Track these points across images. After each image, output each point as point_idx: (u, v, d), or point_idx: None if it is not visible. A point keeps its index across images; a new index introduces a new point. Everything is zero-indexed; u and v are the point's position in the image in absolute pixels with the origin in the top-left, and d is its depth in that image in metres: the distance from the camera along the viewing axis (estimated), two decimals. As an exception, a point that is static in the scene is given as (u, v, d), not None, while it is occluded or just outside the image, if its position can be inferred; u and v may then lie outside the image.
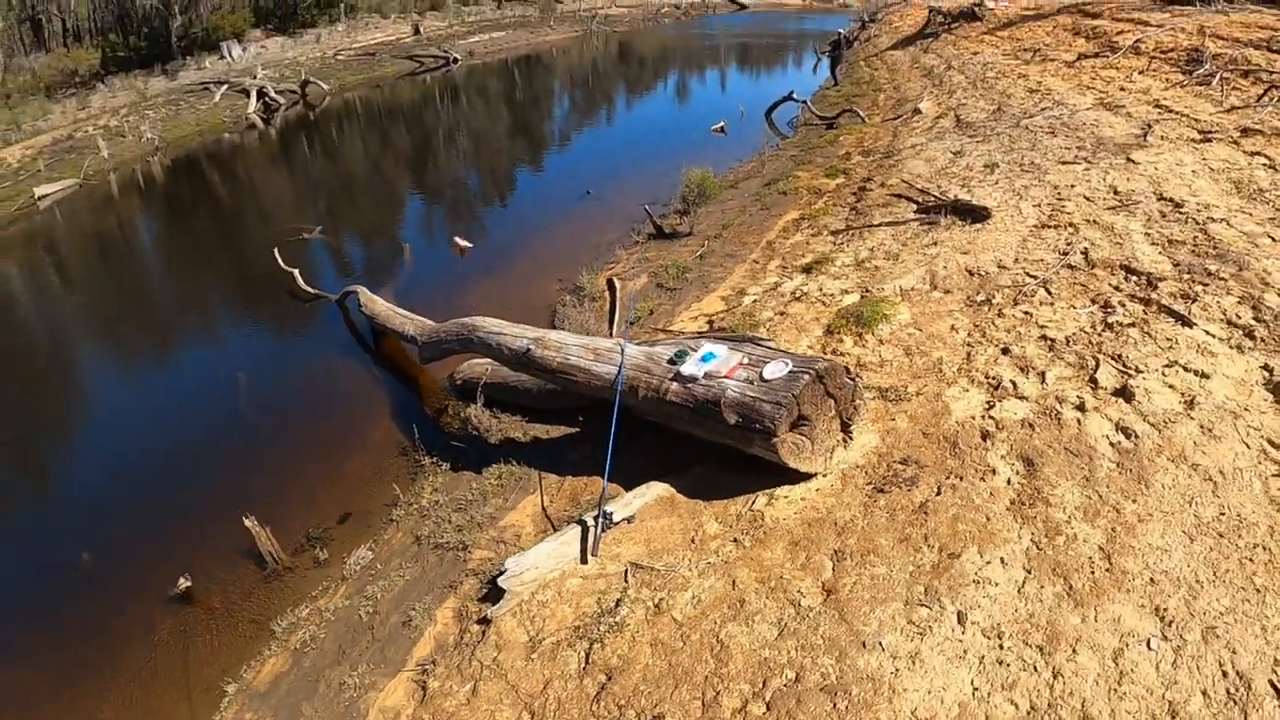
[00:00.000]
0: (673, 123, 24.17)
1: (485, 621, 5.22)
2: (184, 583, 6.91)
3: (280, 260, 12.79)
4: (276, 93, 35.74)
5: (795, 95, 20.89)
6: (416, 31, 48.26)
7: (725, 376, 5.52)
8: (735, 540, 5.15)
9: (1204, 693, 3.44)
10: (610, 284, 8.53)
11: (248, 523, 6.86)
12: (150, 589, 7.10)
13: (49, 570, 7.71)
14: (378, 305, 10.06)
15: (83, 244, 22.82)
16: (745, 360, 5.63)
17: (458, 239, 13.76)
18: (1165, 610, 3.83)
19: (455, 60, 39.79)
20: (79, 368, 12.88)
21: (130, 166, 29.91)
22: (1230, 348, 5.77)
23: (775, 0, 58.73)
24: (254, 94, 35.41)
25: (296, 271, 12.54)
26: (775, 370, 5.36)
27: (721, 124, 20.68)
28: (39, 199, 27.16)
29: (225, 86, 37.16)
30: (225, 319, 13.80)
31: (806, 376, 5.21)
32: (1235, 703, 3.38)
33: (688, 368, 5.74)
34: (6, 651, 6.70)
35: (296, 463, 8.62)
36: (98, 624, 6.94)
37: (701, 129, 20.75)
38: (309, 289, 12.24)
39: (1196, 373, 5.54)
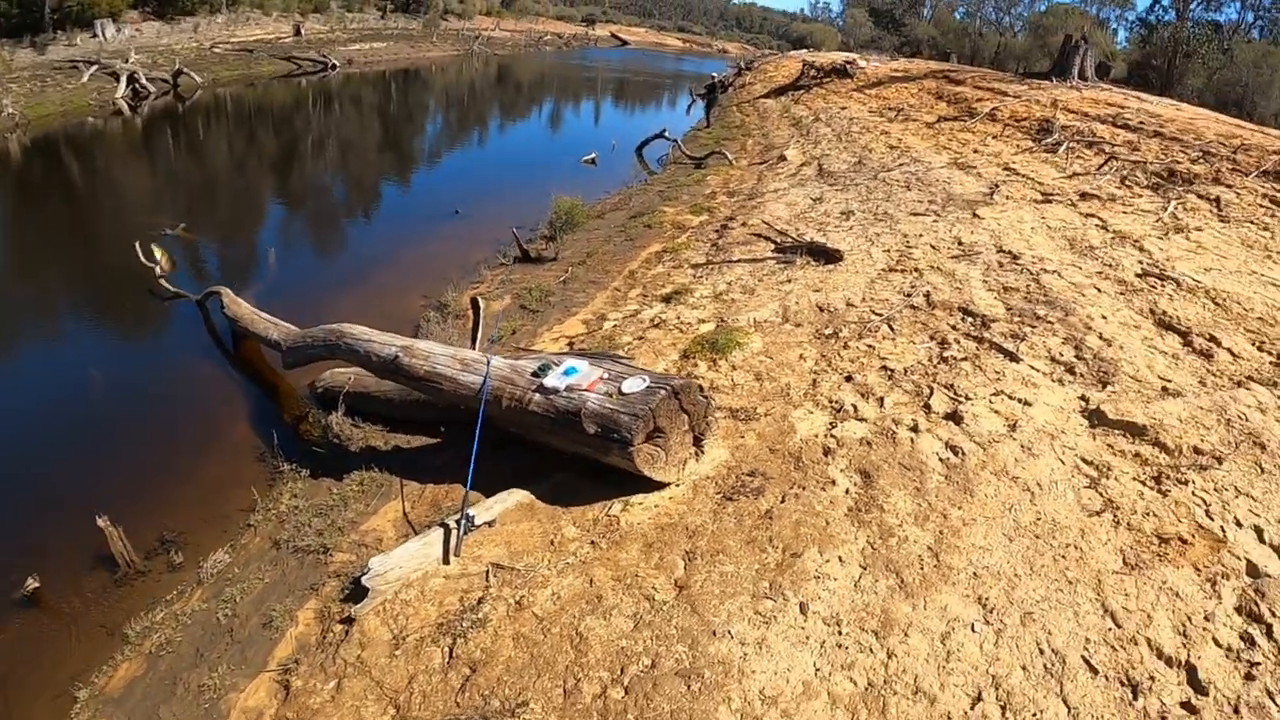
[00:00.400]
0: (545, 150, 24.56)
1: (349, 621, 5.34)
2: (32, 584, 6.65)
3: (141, 255, 12.40)
4: (148, 80, 34.30)
5: (667, 134, 21.54)
6: (298, 33, 47.19)
7: (586, 390, 5.86)
8: (592, 543, 5.47)
9: (1024, 668, 3.98)
10: (474, 302, 8.72)
11: (100, 523, 6.67)
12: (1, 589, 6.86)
13: None
14: (241, 308, 9.93)
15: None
16: (605, 375, 5.99)
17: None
18: (987, 599, 4.39)
19: (334, 66, 39.21)
20: None
21: (-17, 142, 28.11)
22: (1052, 381, 6.56)
23: (656, 40, 60.28)
24: (124, 79, 33.87)
25: (157, 267, 12.18)
26: (633, 385, 5.74)
27: (593, 155, 21.12)
28: (-124, 166, 25.26)
29: (95, 67, 35.36)
30: (77, 313, 13.22)
31: (663, 392, 5.62)
32: (1052, 675, 3.92)
33: (550, 380, 6.05)
34: None
35: (150, 465, 8.42)
36: None
37: (573, 158, 21.16)
38: (169, 287, 11.90)
39: (1020, 401, 6.29)
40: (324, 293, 11.75)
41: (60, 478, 8.49)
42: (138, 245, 12.58)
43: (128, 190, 21.37)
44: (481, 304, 8.68)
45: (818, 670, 4.14)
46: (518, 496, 6.10)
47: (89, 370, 10.53)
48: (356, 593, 5.52)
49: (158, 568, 6.92)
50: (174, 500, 7.70)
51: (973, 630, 4.22)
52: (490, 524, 5.80)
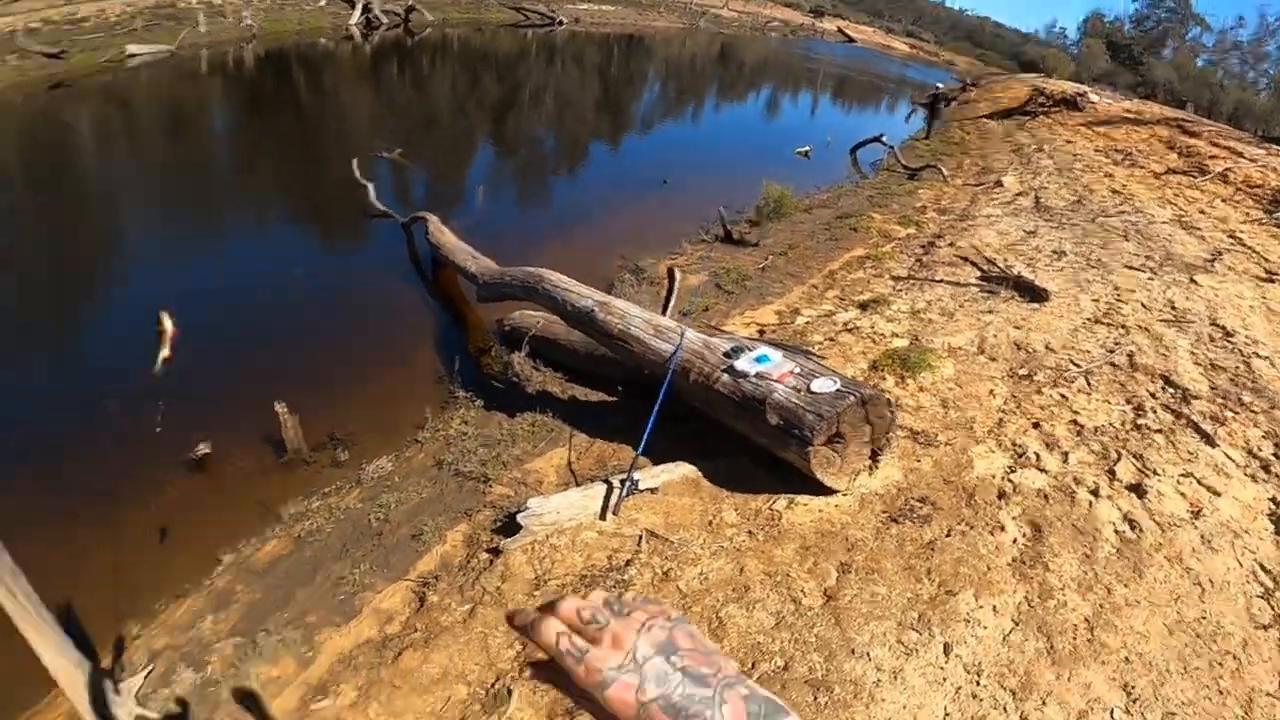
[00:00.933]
0: (759, 134, 24.30)
1: (496, 552, 5.41)
2: (202, 449, 7.05)
3: (357, 172, 13.00)
4: (381, 11, 36.04)
5: (884, 139, 20.94)
6: (529, -16, 48.54)
7: (775, 380, 5.70)
8: (750, 532, 5.35)
9: (1153, 768, 3.67)
10: (671, 272, 8.67)
11: (277, 408, 6.96)
12: (169, 448, 7.26)
13: (78, 408, 7.98)
14: (445, 236, 10.21)
15: (159, 111, 23.15)
16: (796, 370, 5.81)
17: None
18: (1133, 688, 4.08)
19: (561, 23, 40.07)
20: (128, 229, 13.16)
21: (224, 48, 30.29)
22: (1245, 475, 6.05)
23: (883, 42, 58.78)
24: (360, 6, 35.73)
25: (371, 186, 12.74)
26: (823, 385, 5.55)
27: (807, 148, 20.75)
28: (128, 56, 27.63)
29: (332, -9, 37.54)
30: (288, 214, 14.06)
31: (851, 398, 5.41)
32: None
33: (742, 363, 5.92)
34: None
35: (334, 365, 8.79)
36: (108, 472, 7.13)
37: (787, 148, 20.85)
38: (379, 205, 12.42)
39: (1209, 488, 5.84)
40: (524, 237, 11.99)
41: (249, 359, 9.03)
42: (355, 163, 13.20)
43: (349, 111, 22.51)
44: (678, 275, 8.62)
45: (947, 715, 3.93)
46: (684, 470, 6.02)
47: (294, 268, 11.14)
48: (508, 527, 5.57)
49: (322, 461, 7.22)
50: (349, 402, 8.00)
51: (1111, 717, 3.91)
52: (653, 490, 5.74)
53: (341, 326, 9.60)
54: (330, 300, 10.31)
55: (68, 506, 6.77)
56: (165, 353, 4.22)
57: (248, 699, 4.79)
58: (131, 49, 28.29)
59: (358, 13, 35.38)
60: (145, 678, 5.00)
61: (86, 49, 28.29)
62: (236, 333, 9.50)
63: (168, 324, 4.16)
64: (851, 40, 56.62)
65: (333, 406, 7.83)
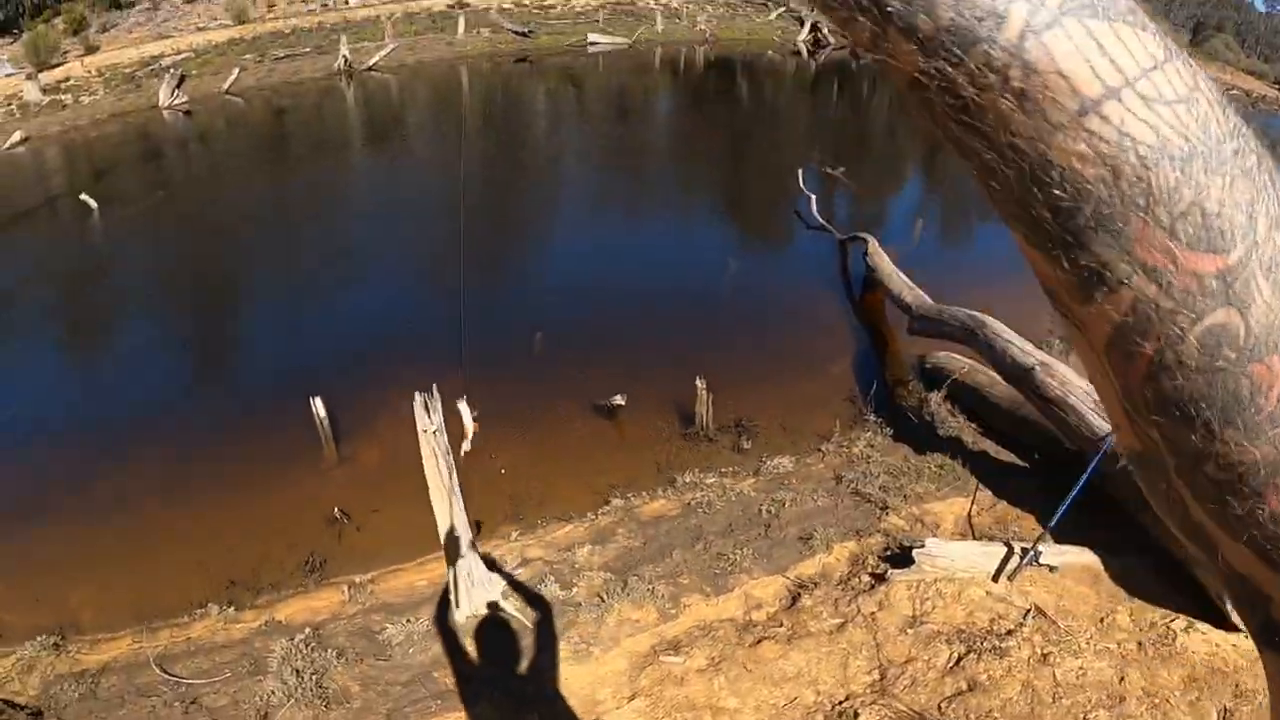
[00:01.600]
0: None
1: (880, 578, 5.53)
2: (618, 400, 7.88)
3: (802, 183, 13.52)
4: (830, 32, 36.68)
5: None
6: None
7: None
8: (1140, 644, 5.06)
9: None
10: (1102, 349, 8.23)
11: (698, 382, 7.59)
12: (591, 392, 8.25)
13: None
14: (883, 261, 10.38)
15: (610, 95, 25.44)
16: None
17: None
18: None
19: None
20: (579, 189, 14.66)
21: (676, 47, 32.60)
22: None
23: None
24: (809, 24, 36.63)
25: (814, 198, 13.22)
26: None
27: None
28: (589, 43, 30.68)
29: (782, 9, 38.85)
30: (726, 208, 15.06)
31: None
32: None
33: (1180, 463, 5.54)
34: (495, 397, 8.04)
35: (751, 356, 9.38)
36: (543, 406, 8.26)
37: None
38: (818, 218, 12.88)
39: None
40: (952, 276, 11.63)
41: (675, 331, 9.99)
42: (800, 173, 13.72)
43: (788, 122, 23.32)
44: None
45: None
46: (1087, 558, 5.76)
47: (727, 258, 11.90)
48: (898, 559, 5.68)
49: (724, 442, 7.76)
50: (760, 396, 8.48)
51: None
52: (1052, 569, 5.58)
53: (765, 324, 10.20)
54: (759, 298, 10.92)
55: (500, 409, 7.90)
56: (466, 446, 4.75)
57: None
58: (593, 37, 31.45)
59: (806, 29, 36.31)
60: (513, 575, 5.73)
61: (552, 32, 31.86)
62: (668, 306, 10.46)
63: (467, 420, 4.65)
64: None
65: (744, 395, 8.35)
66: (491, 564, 5.69)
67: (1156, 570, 5.68)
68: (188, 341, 10.10)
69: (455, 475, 5.15)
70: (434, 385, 5.08)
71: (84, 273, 12.37)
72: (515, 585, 5.63)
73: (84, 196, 13.99)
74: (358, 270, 11.79)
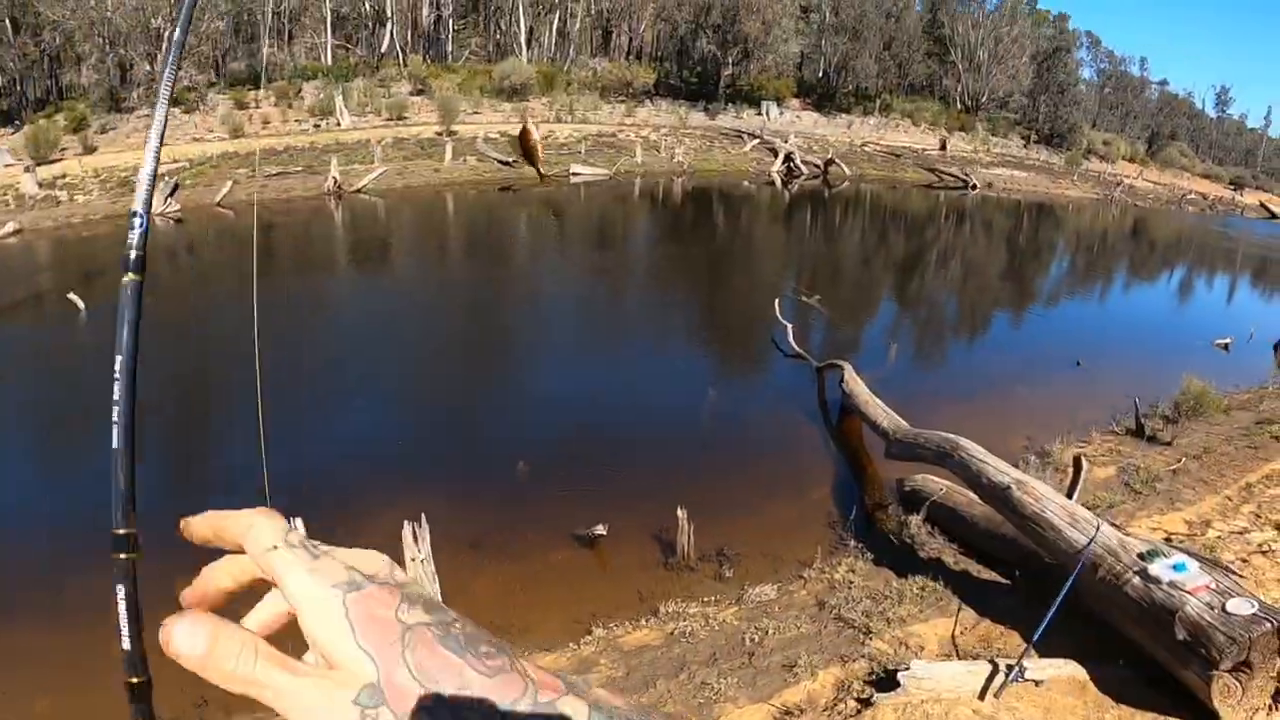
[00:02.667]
0: (1172, 319, 22.50)
1: (866, 703, 5.51)
2: (600, 529, 7.88)
3: (779, 312, 13.90)
4: (802, 161, 38.28)
5: None
6: (943, 147, 49.22)
7: (1188, 592, 5.38)
8: (1128, 750, 5.03)
9: None
10: (1077, 461, 8.36)
11: (680, 512, 7.63)
12: (573, 522, 8.24)
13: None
14: (859, 387, 10.60)
15: (590, 224, 26.25)
16: (1212, 585, 5.44)
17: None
18: None
19: (973, 186, 40.03)
20: (548, 320, 15.03)
21: (655, 179, 33.84)
22: None
23: None
24: (782, 155, 38.28)
25: (790, 327, 13.57)
26: (1240, 606, 5.15)
27: (1227, 340, 18.84)
28: (571, 173, 31.87)
29: (756, 140, 40.65)
30: (704, 338, 15.38)
31: (1269, 625, 4.99)
32: None
33: (1156, 568, 5.64)
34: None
35: (731, 484, 9.45)
36: (524, 535, 8.26)
37: (1201, 335, 19.12)
38: (795, 347, 13.18)
39: None
40: (927, 400, 11.94)
41: (654, 462, 10.04)
42: (777, 303, 14.13)
43: (764, 250, 24.11)
44: (1085, 465, 8.33)
45: None
46: (1073, 670, 5.78)
47: (707, 387, 12.15)
48: (883, 682, 5.65)
49: (705, 571, 7.75)
50: (740, 524, 8.52)
51: None
52: (1038, 683, 5.58)
53: (744, 452, 10.33)
54: (738, 426, 11.11)
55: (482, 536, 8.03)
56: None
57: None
58: (575, 168, 32.71)
59: (779, 161, 37.93)
60: None
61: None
62: (649, 435, 10.63)
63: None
64: (1274, 216, 50.35)
65: (725, 524, 8.39)
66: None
67: (1143, 678, 5.70)
68: (162, 451, 9.97)
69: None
70: (423, 514, 5.16)
71: (63, 370, 12.41)
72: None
73: (72, 295, 14.08)
74: (339, 392, 11.91)
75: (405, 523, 5.01)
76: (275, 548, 0.57)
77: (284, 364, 12.47)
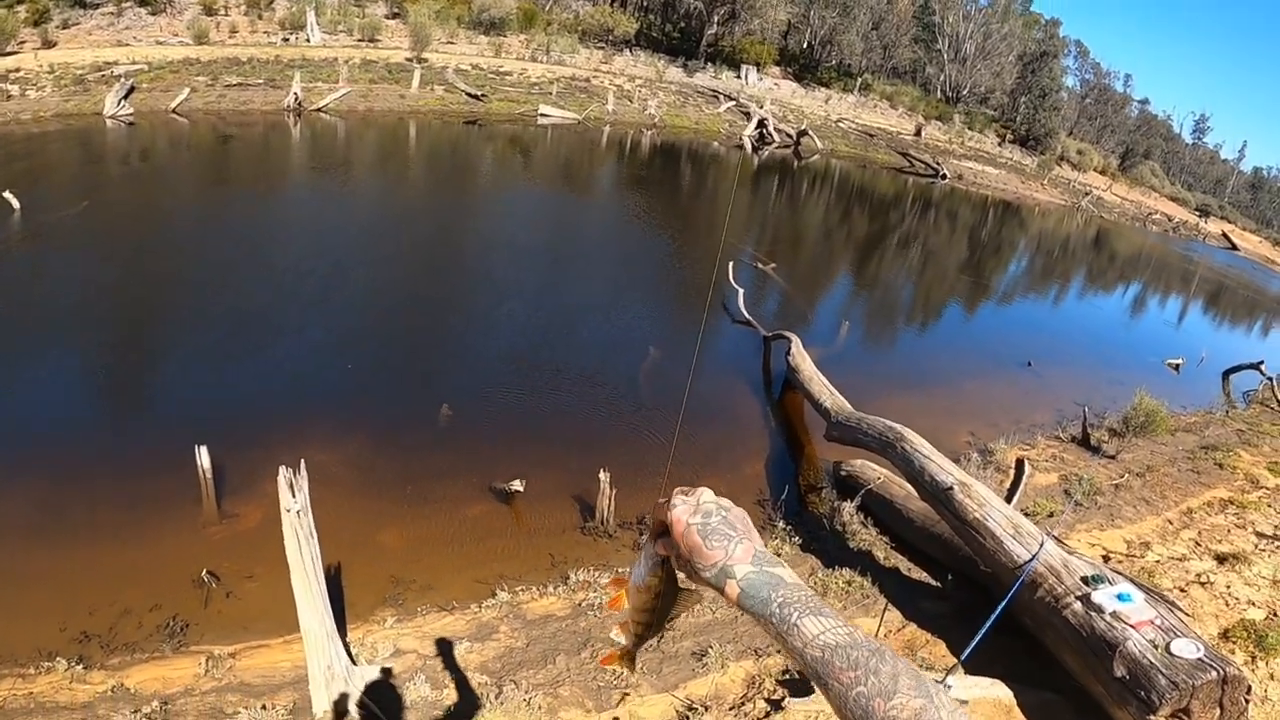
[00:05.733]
0: (1123, 331, 22.55)
1: (777, 705, 5.12)
2: (517, 485, 7.39)
3: (731, 277, 13.43)
4: (775, 129, 37.72)
5: (1264, 368, 18.58)
6: (918, 133, 48.95)
7: (1132, 625, 5.04)
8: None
9: None
10: (1020, 464, 8.05)
11: (602, 475, 7.14)
12: (490, 473, 7.77)
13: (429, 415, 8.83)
14: (805, 363, 10.18)
15: (551, 167, 25.58)
16: (1157, 621, 5.10)
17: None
18: None
19: (944, 176, 39.84)
20: (507, 258, 14.68)
21: (625, 129, 33.12)
22: None
23: (1268, 255, 53.08)
24: (755, 120, 37.69)
25: (742, 292, 13.09)
26: (1185, 648, 4.83)
27: (1179, 360, 18.87)
28: (540, 114, 31.05)
29: (732, 103, 39.97)
30: (657, 294, 14.84)
31: (1214, 673, 4.69)
32: None
33: (1100, 595, 5.28)
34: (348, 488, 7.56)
35: (659, 450, 8.94)
36: (437, 482, 7.76)
37: (1152, 352, 19.16)
38: (744, 313, 12.75)
39: None
40: (873, 384, 11.65)
41: (586, 417, 9.60)
42: (731, 266, 13.65)
43: (723, 214, 23.54)
44: (1028, 469, 8.00)
45: None
46: (1000, 692, 5.42)
47: (649, 346, 11.66)
48: (796, 686, 5.27)
49: (624, 540, 7.30)
50: (665, 493, 8.02)
51: None
52: (963, 703, 5.20)
53: (676, 412, 9.77)
54: (675, 390, 10.58)
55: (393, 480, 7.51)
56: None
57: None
58: (544, 109, 31.85)
59: (752, 125, 37.32)
60: (381, 670, 5.18)
61: (505, 99, 32.15)
62: (582, 390, 10.15)
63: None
64: (1235, 248, 51.23)
65: (648, 492, 7.92)
66: (357, 654, 5.17)
67: (1074, 706, 5.38)
68: (81, 363, 9.31)
69: (319, 562, 4.64)
70: (301, 460, 4.58)
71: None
72: (381, 682, 5.07)
73: (7, 194, 13.25)
74: (270, 315, 11.16)
75: (280, 469, 4.41)
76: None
77: (214, 284, 11.76)
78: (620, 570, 6.65)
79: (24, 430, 7.80)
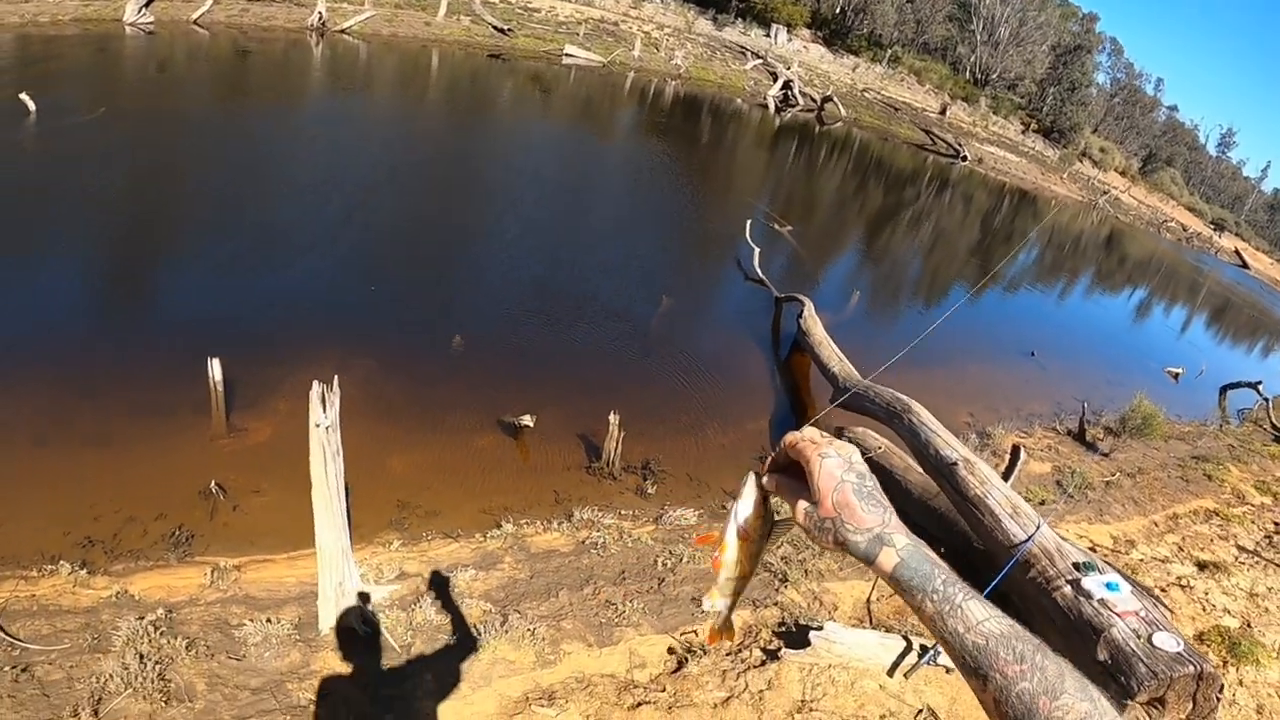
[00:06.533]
0: (1128, 333, 22.68)
1: (773, 654, 5.26)
2: (527, 420, 7.47)
3: (749, 235, 13.44)
4: (800, 92, 37.34)
5: (1261, 389, 18.72)
6: (942, 112, 48.53)
7: (1117, 614, 5.19)
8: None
9: None
10: (1015, 450, 8.17)
11: (612, 417, 7.25)
12: (501, 407, 7.87)
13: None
14: (816, 326, 10.27)
15: (573, 107, 25.36)
16: (1142, 613, 5.25)
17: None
18: None
19: (964, 158, 39.51)
20: (524, 196, 14.72)
21: (649, 77, 32.80)
22: None
23: (1277, 278, 53.11)
24: (781, 80, 37.25)
25: (758, 251, 13.13)
26: (1166, 641, 4.98)
27: (1179, 369, 19.00)
28: (565, 54, 30.69)
29: (759, 61, 39.49)
30: (672, 244, 14.86)
31: (1192, 668, 4.84)
32: None
33: (1090, 582, 5.43)
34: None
35: (668, 400, 9.11)
36: (448, 412, 7.85)
37: (1153, 358, 19.29)
38: (759, 272, 12.80)
39: None
40: (879, 353, 11.68)
41: (598, 360, 9.72)
42: (748, 224, 13.65)
43: (743, 169, 23.44)
44: (1023, 455, 8.13)
45: None
46: (982, 666, 5.61)
47: (661, 294, 11.77)
48: (793, 638, 5.42)
49: (628, 483, 7.44)
50: (670, 441, 8.22)
51: None
52: (949, 670, 5.39)
53: (688, 369, 9.94)
54: (686, 340, 10.73)
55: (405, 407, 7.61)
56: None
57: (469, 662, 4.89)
58: (570, 49, 31.47)
59: (777, 86, 36.90)
60: (388, 592, 5.31)
61: (531, 35, 31.73)
62: (594, 332, 10.23)
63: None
64: (1245, 265, 51.19)
65: (655, 438, 8.10)
66: (364, 575, 5.29)
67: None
68: (95, 269, 9.28)
69: (342, 480, 4.73)
70: (335, 377, 4.64)
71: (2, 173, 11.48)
72: (388, 603, 5.20)
73: (24, 96, 13.09)
74: (288, 232, 11.14)
75: (315, 384, 4.46)
76: (801, 440, 1.28)
77: (231, 198, 11.73)
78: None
79: (36, 334, 7.77)
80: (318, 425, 4.51)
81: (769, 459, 1.33)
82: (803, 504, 1.23)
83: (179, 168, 12.61)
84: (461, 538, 6.20)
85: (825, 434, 1.27)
